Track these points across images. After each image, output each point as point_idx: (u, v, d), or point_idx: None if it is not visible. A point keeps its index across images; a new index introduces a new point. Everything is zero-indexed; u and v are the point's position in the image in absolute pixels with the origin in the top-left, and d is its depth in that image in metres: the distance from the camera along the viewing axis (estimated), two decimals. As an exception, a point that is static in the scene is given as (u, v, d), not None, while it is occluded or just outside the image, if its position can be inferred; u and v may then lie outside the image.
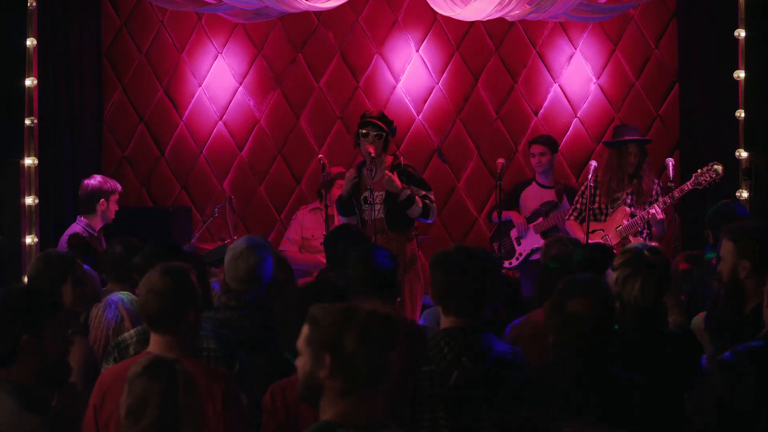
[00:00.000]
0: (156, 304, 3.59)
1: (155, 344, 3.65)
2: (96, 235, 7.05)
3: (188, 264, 3.83)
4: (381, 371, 2.79)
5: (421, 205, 6.94)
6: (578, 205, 7.45)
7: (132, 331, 4.07)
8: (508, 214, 8.00)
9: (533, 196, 8.03)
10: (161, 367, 2.98)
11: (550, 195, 7.98)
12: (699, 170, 7.14)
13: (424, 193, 7.01)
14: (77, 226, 7.05)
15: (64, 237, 7.04)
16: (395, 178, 6.89)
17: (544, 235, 7.81)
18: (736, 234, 4.20)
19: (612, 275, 3.99)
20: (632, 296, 3.92)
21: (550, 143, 8.05)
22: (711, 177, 7.07)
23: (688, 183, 7.14)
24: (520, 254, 7.93)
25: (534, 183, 8.08)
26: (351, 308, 2.80)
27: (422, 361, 3.82)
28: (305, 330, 2.84)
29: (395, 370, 2.85)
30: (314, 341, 2.79)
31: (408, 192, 6.90)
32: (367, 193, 6.90)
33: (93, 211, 7.07)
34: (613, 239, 7.27)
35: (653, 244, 4.06)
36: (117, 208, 7.19)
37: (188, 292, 3.63)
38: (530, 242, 7.87)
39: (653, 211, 7.08)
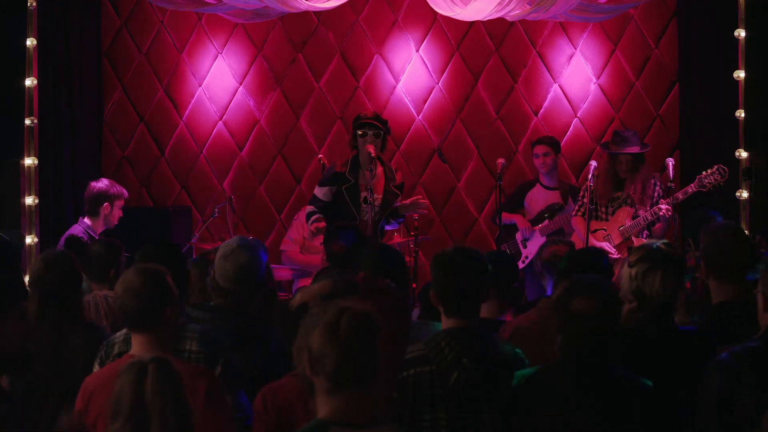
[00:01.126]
0: (135, 304, 3.61)
1: (137, 344, 3.67)
2: (96, 237, 7.03)
3: (166, 266, 3.84)
4: (358, 368, 2.80)
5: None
6: (583, 200, 7.46)
7: (123, 331, 4.06)
8: (512, 218, 7.97)
9: (538, 198, 7.99)
10: (135, 366, 3.00)
11: (554, 196, 7.94)
12: (704, 172, 7.13)
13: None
14: (78, 227, 7.03)
15: (65, 238, 7.03)
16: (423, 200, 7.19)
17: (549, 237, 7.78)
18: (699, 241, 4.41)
19: (629, 271, 3.99)
20: (653, 290, 3.92)
21: (554, 143, 8.03)
22: (715, 179, 7.07)
23: (692, 185, 7.15)
24: (527, 257, 7.88)
25: (538, 184, 8.04)
26: (324, 308, 2.83)
27: (408, 344, 3.83)
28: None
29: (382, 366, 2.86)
30: (297, 339, 2.84)
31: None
32: (366, 194, 6.93)
33: (96, 214, 7.05)
34: (615, 239, 7.28)
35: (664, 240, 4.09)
36: (121, 215, 7.15)
37: (165, 290, 3.65)
38: (536, 245, 7.77)
39: (664, 207, 7.06)
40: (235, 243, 4.48)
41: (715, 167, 7.10)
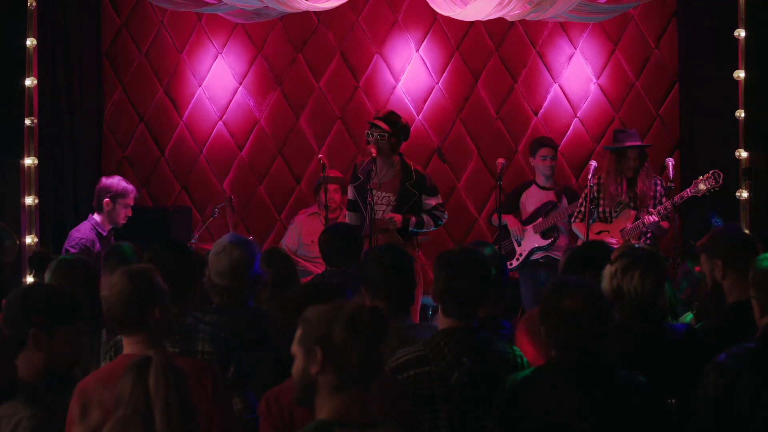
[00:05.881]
0: (119, 306, 3.61)
1: (128, 345, 3.66)
2: (105, 234, 7.05)
3: (154, 264, 3.84)
4: (372, 364, 2.81)
5: (433, 223, 7.19)
6: (581, 208, 7.49)
7: None
8: (504, 218, 8.01)
9: (533, 198, 8.04)
10: (137, 363, 3.01)
11: (549, 196, 8.00)
12: (700, 177, 7.19)
13: (434, 203, 7.16)
14: (87, 224, 7.04)
15: (72, 234, 7.03)
16: (396, 218, 7.03)
17: (543, 234, 7.85)
18: (705, 244, 4.42)
19: (609, 269, 4.02)
20: (632, 286, 3.96)
21: (556, 147, 8.13)
22: (710, 185, 7.12)
23: (688, 190, 7.19)
24: (521, 254, 7.94)
25: (534, 185, 8.08)
26: (339, 304, 2.85)
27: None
28: (298, 332, 2.87)
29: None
30: (305, 338, 2.84)
31: (414, 220, 7.09)
32: (367, 194, 6.94)
33: (101, 210, 7.08)
34: (616, 240, 7.32)
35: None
36: (129, 214, 7.13)
37: (150, 291, 3.62)
38: (530, 242, 7.89)
39: (649, 219, 7.15)
40: (227, 239, 4.51)
41: (711, 172, 7.14)
